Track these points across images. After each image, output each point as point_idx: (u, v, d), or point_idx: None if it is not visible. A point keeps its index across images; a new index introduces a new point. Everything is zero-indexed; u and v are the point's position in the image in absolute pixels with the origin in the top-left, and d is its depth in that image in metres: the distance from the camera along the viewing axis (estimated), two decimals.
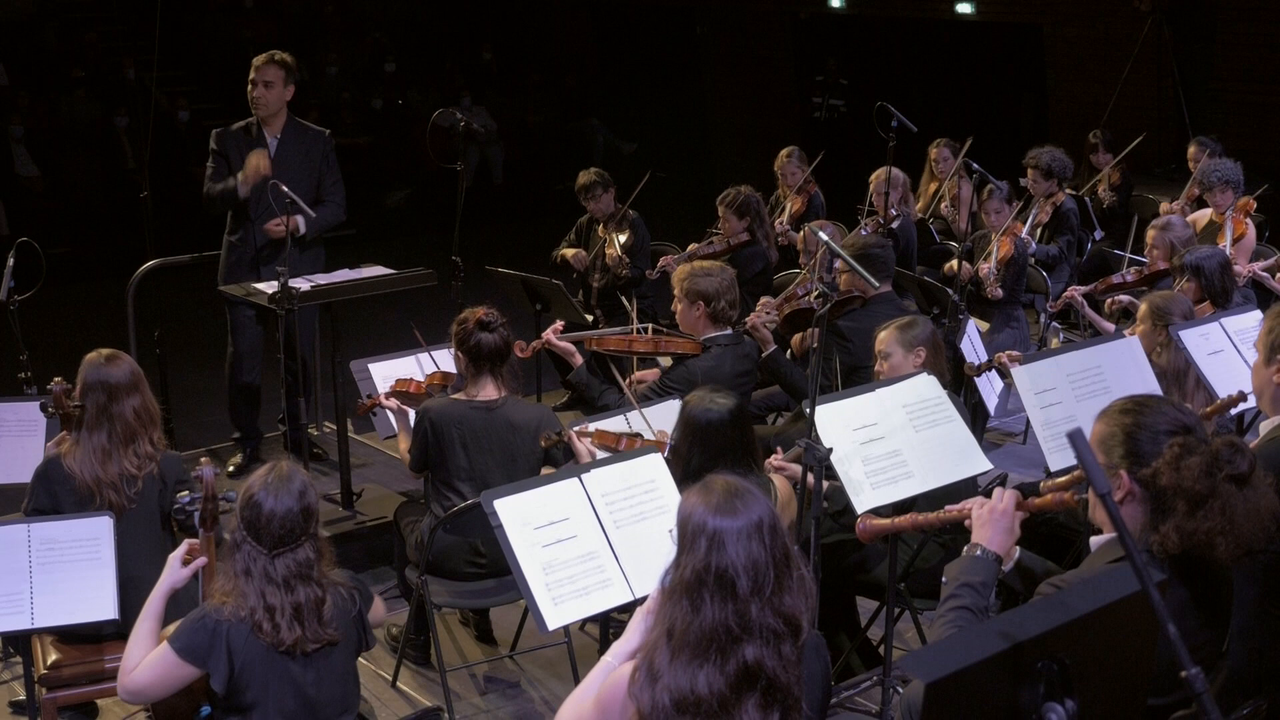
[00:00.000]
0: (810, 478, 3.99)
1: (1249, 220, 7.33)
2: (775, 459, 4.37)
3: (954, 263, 7.33)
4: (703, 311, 5.26)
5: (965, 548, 2.98)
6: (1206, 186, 7.45)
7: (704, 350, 5.24)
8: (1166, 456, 2.75)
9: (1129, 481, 2.79)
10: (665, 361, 5.62)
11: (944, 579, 2.94)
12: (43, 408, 4.48)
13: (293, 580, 3.21)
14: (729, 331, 5.32)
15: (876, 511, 4.07)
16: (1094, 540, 2.95)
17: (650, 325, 5.55)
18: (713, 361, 5.22)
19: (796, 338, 6.04)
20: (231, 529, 3.27)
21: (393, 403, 5.04)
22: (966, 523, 3.04)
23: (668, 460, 3.91)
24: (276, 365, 6.32)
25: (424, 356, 5.51)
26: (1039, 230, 8.03)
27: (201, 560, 3.49)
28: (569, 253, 7.69)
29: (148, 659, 3.26)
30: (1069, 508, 3.12)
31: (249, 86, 6.22)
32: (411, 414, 5.04)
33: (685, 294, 5.28)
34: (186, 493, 3.75)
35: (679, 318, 5.36)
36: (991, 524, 2.97)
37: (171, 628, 3.39)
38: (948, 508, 3.15)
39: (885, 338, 4.78)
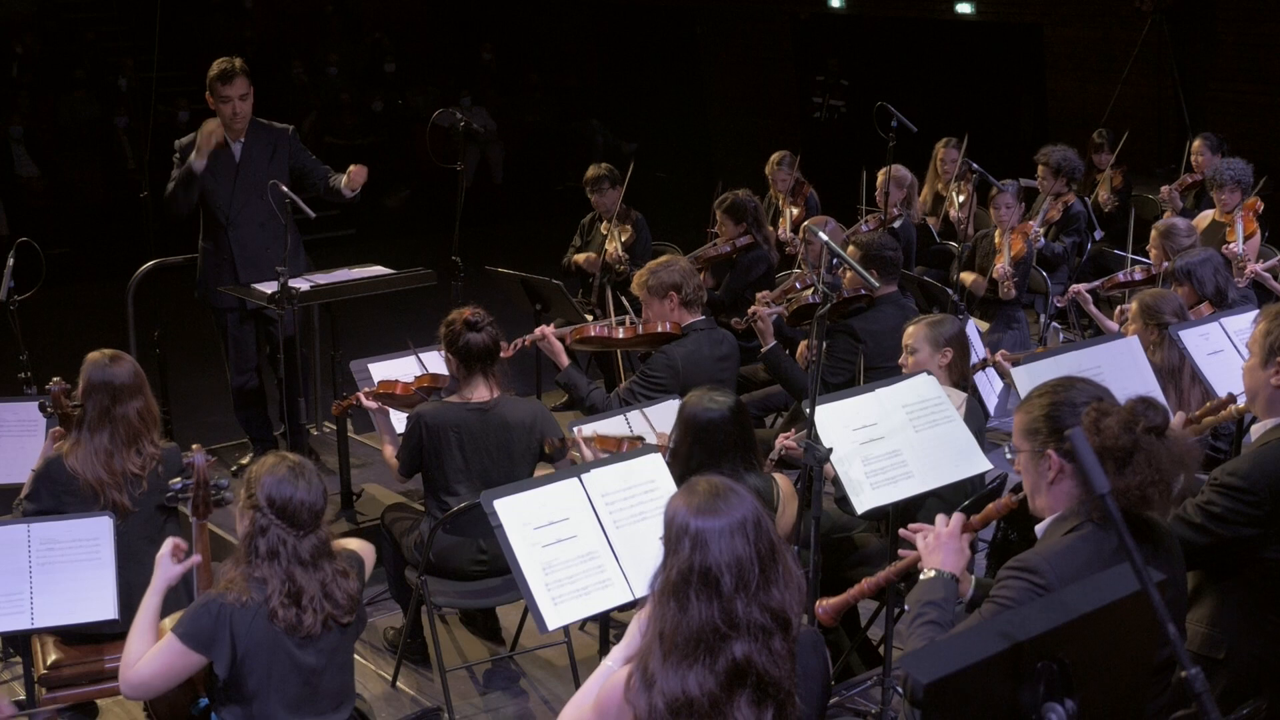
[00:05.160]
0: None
1: (1256, 220, 7.32)
2: (784, 439, 4.39)
3: (964, 275, 7.32)
4: (676, 301, 5.35)
5: (920, 576, 3.00)
6: (1218, 184, 7.42)
7: (684, 335, 5.29)
8: (1085, 422, 2.82)
9: (1058, 459, 2.85)
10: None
11: (905, 605, 2.97)
12: (41, 408, 4.47)
13: (319, 558, 3.28)
14: (703, 317, 5.40)
15: (875, 512, 4.08)
16: (1039, 527, 2.99)
17: (628, 316, 5.57)
18: (692, 346, 5.29)
19: (802, 346, 6.05)
20: (248, 518, 3.27)
21: (373, 404, 5.01)
22: (919, 564, 3.04)
23: (668, 462, 3.91)
24: (274, 366, 6.32)
25: (424, 357, 5.51)
26: (1048, 228, 8.03)
27: (196, 558, 3.49)
28: (580, 258, 7.72)
29: (150, 651, 3.26)
30: (1013, 509, 3.14)
31: (224, 105, 6.09)
32: (393, 414, 5.03)
33: (653, 292, 5.36)
34: (179, 479, 3.74)
35: (655, 317, 5.40)
36: (940, 549, 3.00)
37: (170, 619, 3.40)
38: (901, 553, 3.18)
39: (914, 332, 4.76)
